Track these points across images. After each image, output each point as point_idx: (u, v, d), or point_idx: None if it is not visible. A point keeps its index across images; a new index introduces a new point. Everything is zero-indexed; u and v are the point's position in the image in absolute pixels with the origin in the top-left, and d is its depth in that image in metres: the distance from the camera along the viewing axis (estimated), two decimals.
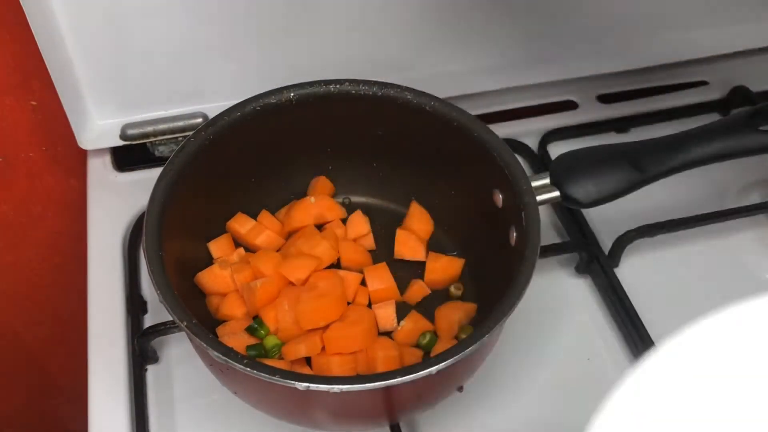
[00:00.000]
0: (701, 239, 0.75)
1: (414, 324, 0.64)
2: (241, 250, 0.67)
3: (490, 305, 0.65)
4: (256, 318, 0.62)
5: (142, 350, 0.65)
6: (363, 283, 0.66)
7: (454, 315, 0.64)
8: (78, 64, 0.71)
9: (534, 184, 0.61)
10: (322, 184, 0.72)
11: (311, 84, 0.66)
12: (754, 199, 0.78)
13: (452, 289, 0.67)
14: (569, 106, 0.88)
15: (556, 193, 0.62)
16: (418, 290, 0.67)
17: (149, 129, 0.77)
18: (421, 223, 0.70)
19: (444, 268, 0.67)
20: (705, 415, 0.33)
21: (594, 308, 0.71)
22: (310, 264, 0.63)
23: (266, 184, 0.71)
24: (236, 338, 0.61)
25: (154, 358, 0.66)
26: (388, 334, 0.64)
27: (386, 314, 0.64)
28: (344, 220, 0.71)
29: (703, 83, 0.91)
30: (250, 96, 0.65)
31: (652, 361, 0.34)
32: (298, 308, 0.60)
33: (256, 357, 0.60)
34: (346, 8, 0.73)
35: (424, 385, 0.53)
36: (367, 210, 0.72)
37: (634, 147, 0.65)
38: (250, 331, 0.61)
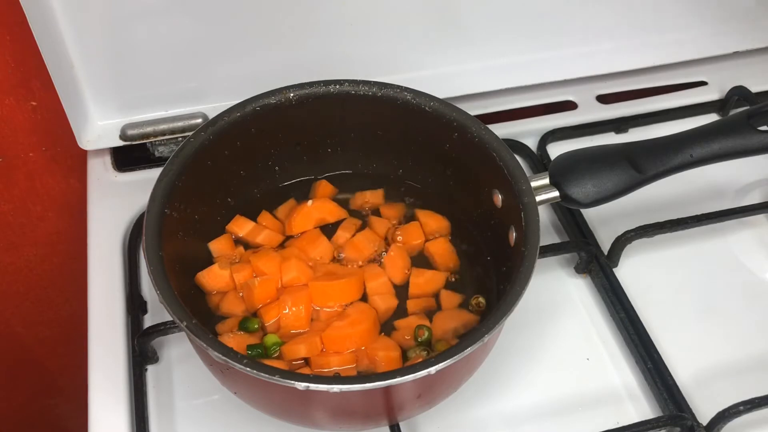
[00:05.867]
0: (700, 239, 0.75)
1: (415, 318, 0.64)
2: (241, 248, 0.68)
3: (489, 305, 0.65)
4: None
5: (142, 350, 0.65)
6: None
7: (450, 323, 0.63)
8: (78, 64, 0.71)
9: (533, 184, 0.61)
10: (323, 187, 0.72)
11: (311, 84, 0.66)
12: (753, 199, 0.78)
13: (473, 301, 0.65)
14: (569, 106, 0.88)
15: (556, 194, 0.63)
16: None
17: (149, 129, 0.77)
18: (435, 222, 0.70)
19: (427, 282, 0.66)
20: None
21: (593, 308, 0.71)
22: (307, 269, 0.64)
23: (266, 184, 0.71)
24: (236, 337, 0.61)
25: (154, 358, 0.66)
26: (391, 327, 0.64)
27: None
28: (340, 222, 0.70)
29: (702, 83, 0.91)
30: (250, 96, 0.65)
31: None
32: (326, 333, 0.60)
33: (256, 357, 0.60)
34: (346, 9, 0.73)
35: (424, 385, 0.53)
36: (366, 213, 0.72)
37: (633, 147, 0.65)
38: (242, 324, 0.61)
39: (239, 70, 0.75)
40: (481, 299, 0.65)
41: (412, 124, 0.67)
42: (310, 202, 0.70)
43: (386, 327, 0.64)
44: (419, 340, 0.62)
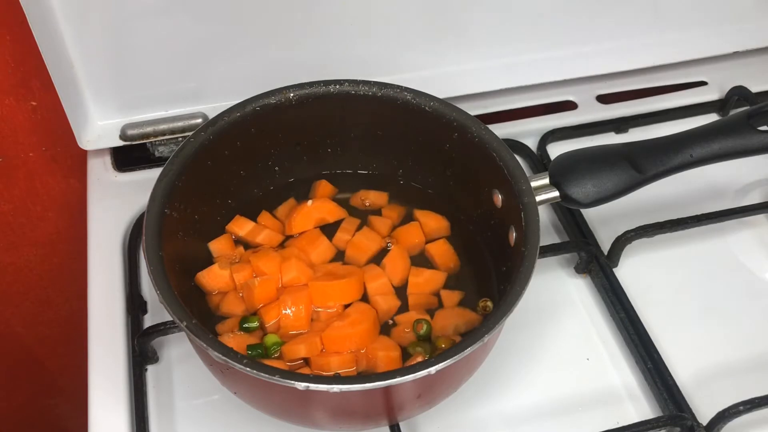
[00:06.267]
0: (700, 239, 0.75)
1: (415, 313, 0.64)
2: (241, 248, 0.68)
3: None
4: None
5: (142, 350, 0.65)
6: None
7: (451, 320, 0.63)
8: (78, 64, 0.71)
9: (533, 184, 0.61)
10: (323, 187, 0.72)
11: (311, 84, 0.66)
12: (753, 199, 0.78)
13: (480, 304, 0.65)
14: (569, 106, 0.88)
15: (556, 194, 0.63)
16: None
17: (149, 129, 0.77)
18: (433, 222, 0.70)
19: (426, 281, 0.66)
20: None
21: (593, 308, 0.71)
22: (307, 270, 0.64)
23: (266, 184, 0.71)
24: (236, 337, 0.61)
25: (154, 358, 0.66)
26: (390, 323, 0.64)
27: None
28: (340, 222, 0.70)
29: (702, 83, 0.91)
30: (250, 96, 0.65)
31: None
32: (326, 333, 0.60)
33: (256, 357, 0.60)
34: (346, 9, 0.73)
35: (424, 385, 0.53)
36: (365, 211, 0.72)
37: (633, 147, 0.65)
38: (242, 324, 0.62)
39: (239, 70, 0.75)
40: (489, 303, 0.64)
41: (412, 124, 0.67)
42: (310, 202, 0.70)
43: (386, 324, 0.64)
44: (418, 333, 0.62)
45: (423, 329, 0.62)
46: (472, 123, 0.64)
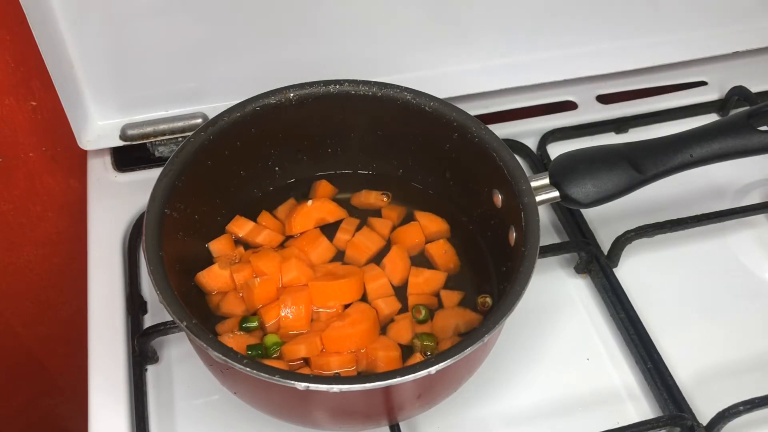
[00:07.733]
0: (700, 239, 0.75)
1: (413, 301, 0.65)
2: (242, 248, 0.68)
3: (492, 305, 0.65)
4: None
5: (142, 350, 0.65)
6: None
7: (451, 321, 0.63)
8: (78, 64, 0.71)
9: (533, 184, 0.61)
10: (323, 187, 0.72)
11: (311, 84, 0.66)
12: (753, 199, 0.78)
13: (479, 299, 0.65)
14: (569, 106, 0.88)
15: (556, 194, 0.63)
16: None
17: (149, 129, 0.77)
18: (432, 224, 0.70)
19: (426, 281, 0.66)
20: None
21: (593, 308, 0.71)
22: (308, 270, 0.64)
23: (266, 185, 0.72)
24: (236, 337, 0.61)
25: (154, 358, 0.66)
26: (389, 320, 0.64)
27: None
28: (340, 222, 0.71)
29: (702, 83, 0.91)
30: (250, 96, 0.65)
31: None
32: (326, 333, 0.60)
33: (256, 357, 0.60)
34: (347, 9, 0.73)
35: (424, 385, 0.53)
36: (365, 211, 0.72)
37: (633, 147, 0.65)
38: (242, 324, 0.62)
39: (239, 70, 0.75)
40: (488, 299, 0.65)
41: (412, 124, 0.67)
42: (310, 202, 0.70)
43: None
44: (417, 319, 0.62)
45: (421, 315, 0.62)
46: (472, 123, 0.64)
